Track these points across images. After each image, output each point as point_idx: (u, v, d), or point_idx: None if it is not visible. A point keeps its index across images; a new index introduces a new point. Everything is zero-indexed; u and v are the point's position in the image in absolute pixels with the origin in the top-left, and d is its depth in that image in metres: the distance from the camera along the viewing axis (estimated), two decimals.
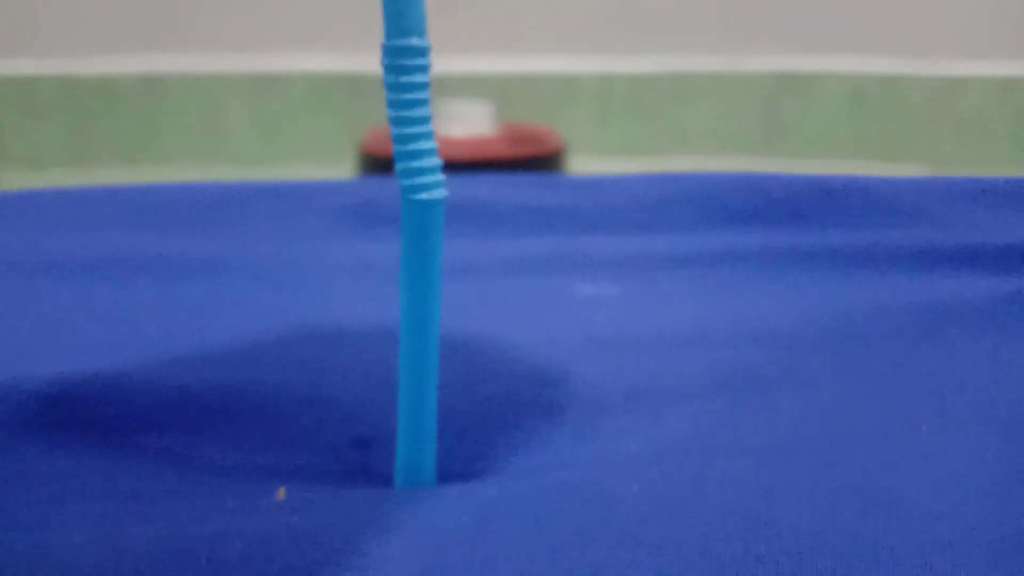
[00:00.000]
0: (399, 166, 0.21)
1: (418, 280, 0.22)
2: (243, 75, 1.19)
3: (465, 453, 0.27)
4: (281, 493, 0.24)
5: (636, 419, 0.28)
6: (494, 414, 0.28)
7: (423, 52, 0.20)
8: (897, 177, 0.50)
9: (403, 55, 0.20)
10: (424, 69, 0.20)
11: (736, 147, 1.24)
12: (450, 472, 0.26)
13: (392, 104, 0.20)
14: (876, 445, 0.25)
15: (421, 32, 0.20)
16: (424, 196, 0.21)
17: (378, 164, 1.03)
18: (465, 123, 1.04)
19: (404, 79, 0.20)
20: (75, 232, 0.43)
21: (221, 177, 1.16)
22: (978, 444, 0.25)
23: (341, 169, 1.16)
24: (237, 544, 0.21)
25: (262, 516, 0.22)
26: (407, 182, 0.21)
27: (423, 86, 0.20)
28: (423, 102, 0.20)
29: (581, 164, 1.17)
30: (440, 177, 0.21)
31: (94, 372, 0.29)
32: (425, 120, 0.21)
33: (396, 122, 0.20)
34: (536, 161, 1.04)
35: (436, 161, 0.21)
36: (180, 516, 0.22)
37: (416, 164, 0.21)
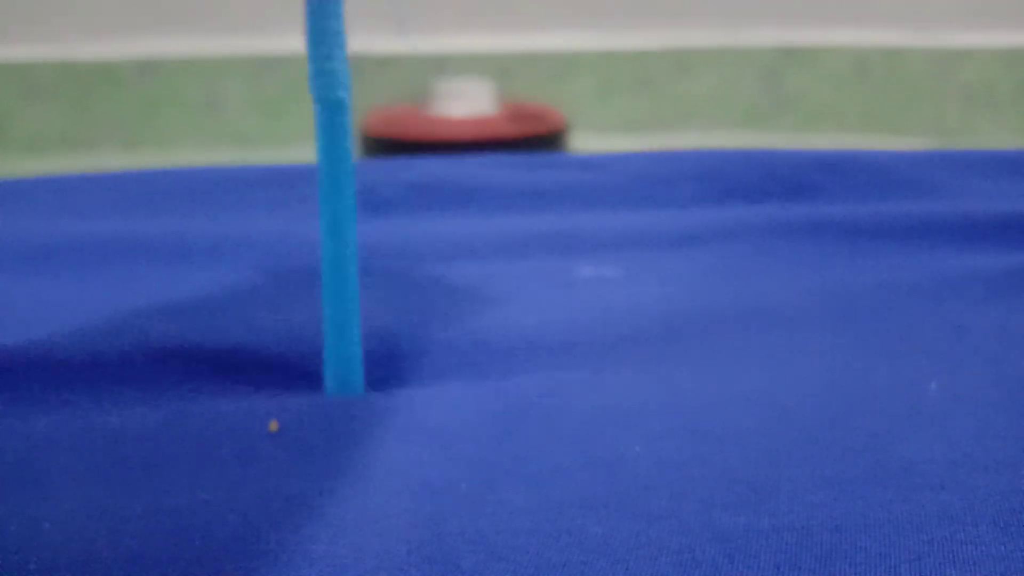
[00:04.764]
0: (314, 69, 0.25)
1: (333, 172, 0.25)
2: (242, 57, 1.19)
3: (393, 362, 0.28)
4: (273, 425, 0.25)
5: (618, 371, 0.28)
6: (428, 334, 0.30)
7: None
8: (900, 150, 0.49)
9: None
10: None
11: (739, 121, 1.23)
12: (379, 378, 0.27)
13: (312, 16, 0.25)
14: (882, 411, 0.25)
15: None
16: (338, 94, 0.25)
17: (379, 145, 1.03)
18: (466, 102, 1.04)
19: None
20: (72, 218, 0.43)
21: (221, 159, 1.16)
22: (984, 413, 0.25)
23: None
24: (231, 517, 0.21)
25: (252, 482, 0.23)
26: (322, 83, 0.25)
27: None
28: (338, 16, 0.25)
29: (583, 141, 1.16)
30: (347, 80, 0.25)
31: (85, 342, 0.29)
32: (339, 33, 0.25)
33: (314, 33, 0.25)
34: (538, 139, 1.03)
35: (344, 67, 0.25)
36: (170, 483, 0.23)
37: (329, 66, 0.25)
